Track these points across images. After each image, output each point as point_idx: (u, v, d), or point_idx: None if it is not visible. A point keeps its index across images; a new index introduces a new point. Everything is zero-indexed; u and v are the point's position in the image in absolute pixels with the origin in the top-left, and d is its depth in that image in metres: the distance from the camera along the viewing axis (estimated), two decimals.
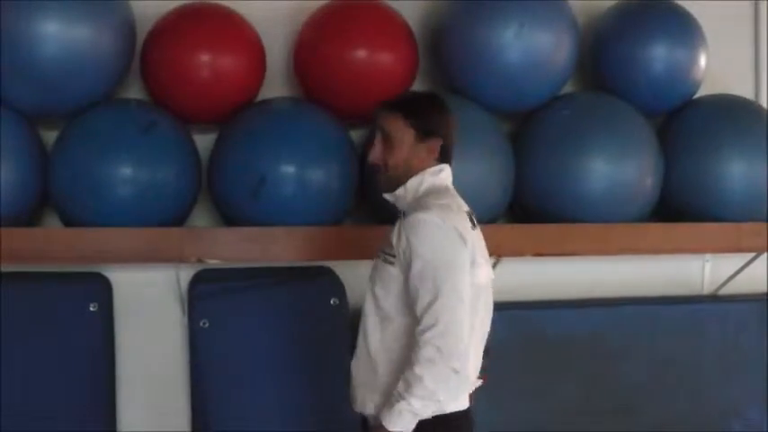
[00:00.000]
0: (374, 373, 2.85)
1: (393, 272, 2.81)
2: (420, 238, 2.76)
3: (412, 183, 2.89)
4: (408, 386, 2.68)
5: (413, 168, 2.90)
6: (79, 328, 3.63)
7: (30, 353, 3.56)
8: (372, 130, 3.02)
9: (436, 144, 2.90)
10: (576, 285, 4.29)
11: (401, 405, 2.69)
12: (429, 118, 2.92)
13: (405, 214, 2.84)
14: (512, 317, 4.06)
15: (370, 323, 2.87)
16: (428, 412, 2.72)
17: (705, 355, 4.41)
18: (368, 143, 2.98)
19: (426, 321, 2.69)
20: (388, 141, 2.89)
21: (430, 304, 2.70)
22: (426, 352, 2.68)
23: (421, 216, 2.77)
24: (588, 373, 4.20)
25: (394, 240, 2.81)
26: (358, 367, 2.92)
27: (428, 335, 2.68)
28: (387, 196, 2.95)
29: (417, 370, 2.67)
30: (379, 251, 2.89)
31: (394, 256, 2.80)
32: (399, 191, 2.90)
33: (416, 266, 2.73)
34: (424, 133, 2.89)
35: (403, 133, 2.88)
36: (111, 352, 3.69)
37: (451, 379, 2.71)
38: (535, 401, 4.10)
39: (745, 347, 4.46)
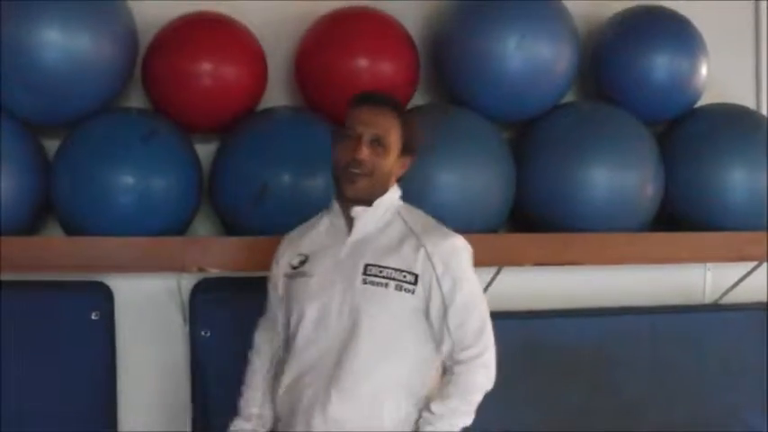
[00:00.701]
0: (377, 413, 2.68)
1: (411, 302, 2.69)
2: (463, 265, 2.74)
3: (387, 200, 2.79)
4: (459, 415, 2.71)
5: (388, 183, 2.78)
6: (81, 337, 3.62)
7: (31, 361, 3.56)
8: (354, 126, 2.76)
9: (410, 162, 2.83)
10: (577, 294, 4.28)
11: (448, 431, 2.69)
12: (416, 134, 2.84)
13: (370, 230, 2.76)
14: (512, 326, 4.06)
15: (369, 360, 2.67)
16: None
17: (707, 364, 4.39)
18: (355, 143, 2.72)
19: (478, 349, 2.70)
20: (380, 145, 2.72)
21: (481, 332, 2.72)
22: (481, 378, 2.73)
23: (456, 242, 2.76)
24: (589, 382, 4.19)
25: (417, 268, 2.68)
26: (344, 410, 2.67)
27: (480, 361, 2.72)
28: (358, 209, 2.75)
29: (475, 397, 2.73)
30: (367, 275, 2.70)
31: (413, 284, 2.68)
32: (375, 204, 2.76)
33: (464, 295, 2.71)
34: (407, 148, 2.79)
35: (395, 142, 2.75)
36: (112, 361, 3.68)
37: None
38: (536, 411, 4.08)
39: (747, 356, 4.45)
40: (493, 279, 3.96)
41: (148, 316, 3.80)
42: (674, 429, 4.30)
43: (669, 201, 4.24)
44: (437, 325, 2.71)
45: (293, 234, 2.99)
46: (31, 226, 3.65)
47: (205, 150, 3.85)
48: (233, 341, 3.69)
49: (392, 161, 2.75)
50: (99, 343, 3.66)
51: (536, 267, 4.03)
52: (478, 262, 3.78)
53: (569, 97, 4.25)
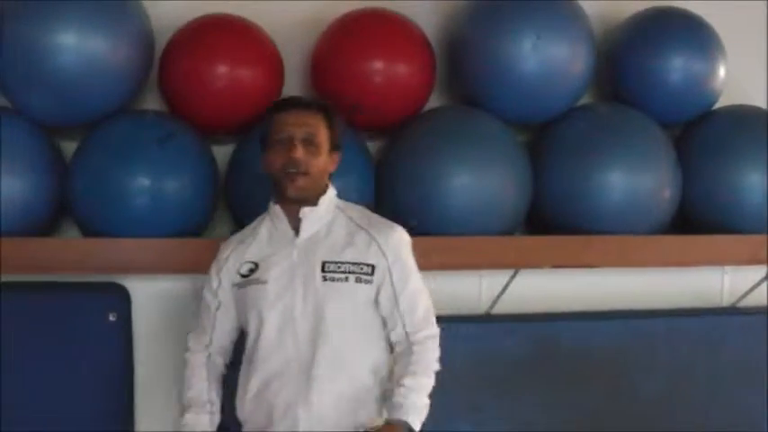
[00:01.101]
0: (357, 401, 2.81)
1: (368, 292, 2.83)
2: (409, 255, 2.90)
3: (328, 197, 2.91)
4: (426, 389, 2.81)
5: (324, 180, 2.90)
6: (98, 338, 3.65)
7: (48, 362, 3.58)
8: (283, 129, 2.86)
9: (338, 158, 2.95)
10: (594, 297, 4.26)
11: (422, 403, 2.79)
12: (339, 131, 2.93)
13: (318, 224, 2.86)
14: (529, 329, 4.07)
15: (341, 353, 2.79)
16: None
17: (724, 367, 4.38)
18: (288, 144, 2.82)
19: (431, 330, 2.88)
20: (311, 144, 2.82)
21: (429, 315, 2.90)
22: (435, 354, 2.87)
23: (402, 234, 2.91)
24: (606, 385, 4.19)
25: (371, 259, 2.81)
26: (328, 405, 2.78)
27: (434, 342, 2.88)
28: (306, 209, 2.85)
29: (434, 372, 2.85)
30: (326, 271, 2.80)
31: (370, 275, 2.81)
32: (320, 202, 2.87)
33: (414, 281, 2.88)
34: (334, 145, 2.91)
35: (324, 140, 2.86)
36: (129, 362, 3.70)
37: None
38: (552, 413, 4.08)
39: (765, 360, 4.42)
40: (509, 281, 3.96)
41: (165, 317, 3.80)
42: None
43: (686, 203, 4.22)
44: (387, 311, 2.85)
45: (233, 240, 3.05)
46: (47, 227, 3.66)
47: (221, 152, 3.86)
48: None
49: (324, 158, 2.86)
50: (116, 344, 3.67)
51: (553, 270, 4.02)
52: (495, 264, 3.81)
53: (585, 99, 4.24)
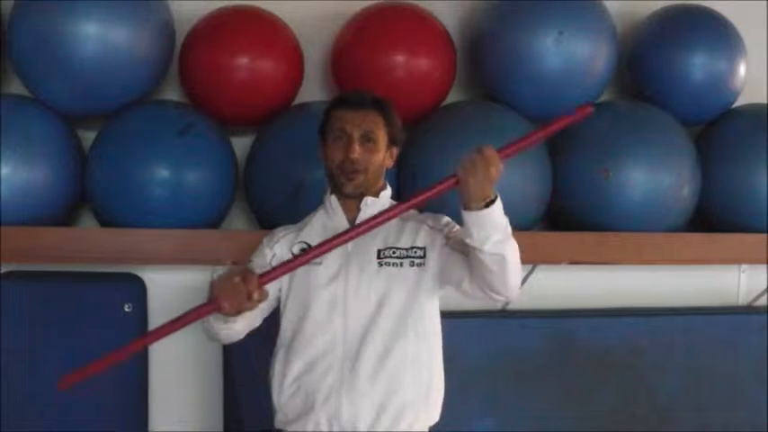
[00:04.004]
0: (398, 387, 2.73)
1: (425, 274, 2.77)
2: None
3: (387, 193, 2.90)
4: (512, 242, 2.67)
5: (382, 175, 2.88)
6: (113, 329, 3.62)
7: (63, 352, 3.55)
8: (341, 127, 2.80)
9: (396, 153, 2.91)
10: (611, 294, 4.26)
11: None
12: (398, 124, 2.90)
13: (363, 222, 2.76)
14: (546, 325, 4.06)
15: (390, 338, 2.73)
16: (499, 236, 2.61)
17: (741, 366, 4.37)
18: (346, 142, 2.77)
19: None
20: (369, 141, 2.79)
21: None
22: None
23: (448, 217, 2.87)
24: (623, 382, 4.17)
25: (423, 242, 2.79)
26: (371, 389, 2.71)
27: None
28: (369, 199, 2.82)
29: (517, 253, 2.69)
30: (381, 257, 2.78)
31: (423, 257, 2.77)
32: (381, 196, 2.86)
33: None
34: (392, 140, 2.86)
35: (382, 137, 2.82)
36: (144, 353, 3.68)
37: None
38: (569, 411, 4.07)
39: None
40: (526, 277, 3.95)
41: (181, 309, 3.76)
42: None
43: (705, 201, 4.21)
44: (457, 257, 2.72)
45: (288, 226, 2.99)
46: (65, 217, 3.66)
47: (241, 144, 3.86)
48: (266, 336, 3.71)
49: (383, 155, 2.83)
50: (131, 336, 3.60)
51: (570, 266, 4.01)
52: None
53: (606, 96, 4.23)
